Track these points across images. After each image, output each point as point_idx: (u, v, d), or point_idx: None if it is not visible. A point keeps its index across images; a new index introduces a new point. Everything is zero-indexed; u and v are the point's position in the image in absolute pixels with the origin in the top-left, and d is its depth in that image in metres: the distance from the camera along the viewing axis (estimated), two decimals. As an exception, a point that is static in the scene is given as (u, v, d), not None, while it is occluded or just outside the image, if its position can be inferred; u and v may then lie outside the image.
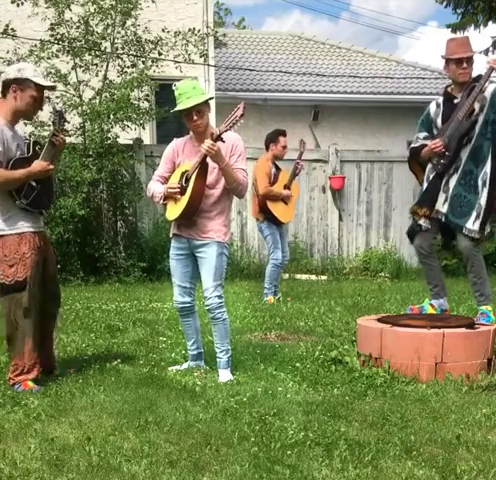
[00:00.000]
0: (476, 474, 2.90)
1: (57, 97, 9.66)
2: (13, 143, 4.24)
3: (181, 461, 3.04)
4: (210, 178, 4.40)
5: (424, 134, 5.08)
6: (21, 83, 4.24)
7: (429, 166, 5.05)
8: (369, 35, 59.20)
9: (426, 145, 4.98)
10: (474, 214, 4.81)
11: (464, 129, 4.80)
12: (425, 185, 5.09)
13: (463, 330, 4.48)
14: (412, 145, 5.19)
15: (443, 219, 4.93)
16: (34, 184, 4.27)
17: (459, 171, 4.87)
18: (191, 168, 4.37)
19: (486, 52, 12.88)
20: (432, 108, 5.06)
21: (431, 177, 5.02)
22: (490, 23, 12.64)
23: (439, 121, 4.98)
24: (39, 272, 4.32)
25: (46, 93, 8.98)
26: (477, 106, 4.77)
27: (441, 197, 4.93)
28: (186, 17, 12.35)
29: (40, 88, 4.32)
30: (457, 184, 4.87)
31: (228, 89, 14.60)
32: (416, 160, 5.19)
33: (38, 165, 4.24)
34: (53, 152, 4.34)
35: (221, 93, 13.61)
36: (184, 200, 4.37)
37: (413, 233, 5.14)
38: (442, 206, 4.92)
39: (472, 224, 4.81)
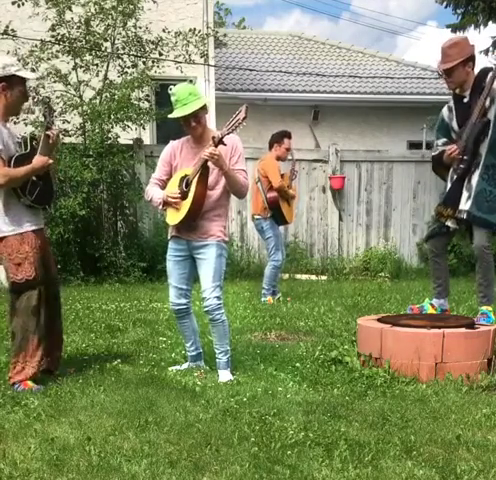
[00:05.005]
0: (476, 474, 2.90)
1: (57, 97, 9.65)
2: (10, 141, 4.27)
3: (181, 461, 3.04)
4: (209, 179, 4.39)
5: (443, 140, 5.05)
6: (8, 80, 4.24)
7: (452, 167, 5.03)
8: (369, 35, 59.25)
9: (444, 150, 4.96)
10: None
11: (477, 130, 4.77)
12: (449, 185, 5.03)
13: (463, 330, 4.48)
14: (432, 153, 5.18)
15: (465, 216, 4.85)
16: (36, 180, 4.30)
17: (480, 166, 4.80)
18: (192, 172, 4.35)
19: (486, 52, 12.86)
20: (445, 113, 5.04)
21: (454, 177, 4.97)
22: (490, 23, 12.61)
23: (455, 124, 4.95)
24: (44, 271, 4.34)
25: (46, 93, 9.06)
26: (488, 101, 4.73)
27: (464, 196, 4.86)
28: (186, 17, 12.34)
29: (25, 81, 4.36)
30: (480, 179, 4.79)
31: (228, 89, 14.60)
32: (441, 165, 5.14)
33: (39, 160, 4.26)
34: (49, 146, 4.38)
35: (221, 93, 13.61)
36: (186, 205, 4.36)
37: (434, 235, 5.10)
38: (465, 204, 4.85)
39: None
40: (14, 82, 4.26)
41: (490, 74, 4.69)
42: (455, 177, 4.95)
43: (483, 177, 4.80)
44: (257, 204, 7.78)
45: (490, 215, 4.81)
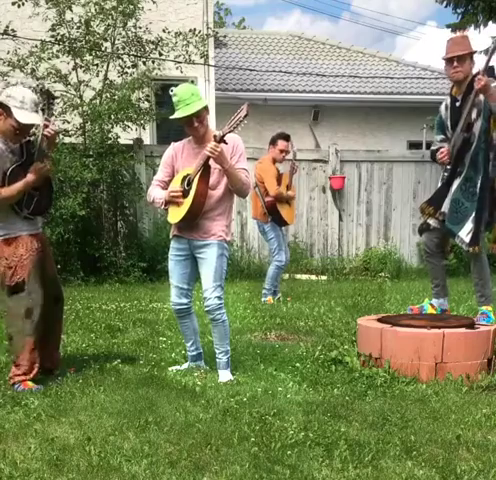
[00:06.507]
0: (476, 474, 2.91)
1: (57, 97, 9.64)
2: (8, 154, 4.21)
3: (181, 461, 3.04)
4: (211, 179, 4.39)
5: (440, 137, 5.11)
6: (5, 109, 4.20)
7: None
8: (369, 35, 59.18)
9: (442, 147, 4.99)
10: (470, 225, 4.79)
11: (460, 143, 4.82)
12: (439, 184, 5.11)
13: (463, 330, 4.48)
14: (431, 147, 5.22)
15: (441, 218, 4.93)
16: (32, 192, 4.26)
17: (461, 176, 4.86)
18: (193, 171, 4.35)
19: (486, 52, 12.86)
20: (442, 110, 5.07)
21: (444, 179, 5.04)
22: (490, 23, 12.61)
23: (449, 124, 4.99)
24: (39, 273, 4.33)
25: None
26: (475, 112, 4.76)
27: (447, 199, 4.93)
28: (186, 17, 12.35)
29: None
30: (457, 189, 4.86)
31: (228, 89, 14.61)
32: None
33: (32, 172, 4.21)
34: (46, 146, 4.30)
35: (221, 93, 13.62)
36: (187, 203, 4.36)
37: (422, 230, 5.17)
38: (447, 208, 4.91)
39: (465, 235, 4.79)
40: (8, 115, 4.18)
41: (475, 86, 4.65)
42: (444, 179, 5.01)
43: (461, 188, 4.86)
44: (256, 209, 7.78)
45: (454, 226, 4.85)
